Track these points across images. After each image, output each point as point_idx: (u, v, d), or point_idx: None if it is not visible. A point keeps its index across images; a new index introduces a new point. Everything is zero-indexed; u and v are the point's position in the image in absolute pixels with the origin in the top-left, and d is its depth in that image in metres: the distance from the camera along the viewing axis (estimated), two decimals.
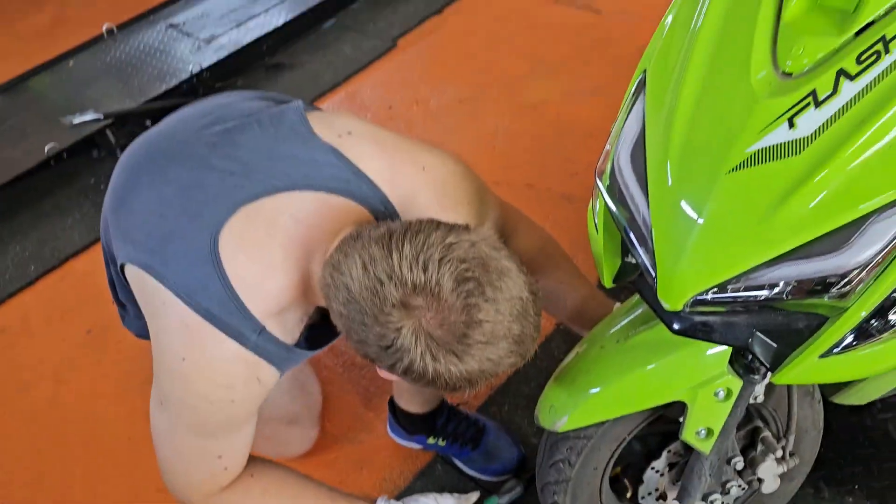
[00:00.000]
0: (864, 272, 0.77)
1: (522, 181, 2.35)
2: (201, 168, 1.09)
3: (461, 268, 0.89)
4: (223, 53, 3.01)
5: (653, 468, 1.22)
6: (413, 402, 1.63)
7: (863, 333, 0.83)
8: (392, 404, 1.69)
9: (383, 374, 0.99)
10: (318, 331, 1.19)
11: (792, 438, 1.17)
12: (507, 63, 2.91)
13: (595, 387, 1.08)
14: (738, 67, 0.84)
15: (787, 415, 1.17)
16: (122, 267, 1.13)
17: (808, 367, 0.86)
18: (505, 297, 0.90)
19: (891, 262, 0.77)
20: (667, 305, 0.86)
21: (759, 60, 0.83)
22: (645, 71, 0.96)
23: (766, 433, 1.18)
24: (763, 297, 0.83)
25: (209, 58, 3.00)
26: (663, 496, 1.27)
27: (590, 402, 1.08)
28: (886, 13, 0.77)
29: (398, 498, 1.32)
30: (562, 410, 1.10)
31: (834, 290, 0.79)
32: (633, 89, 0.98)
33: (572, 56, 2.88)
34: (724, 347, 1.01)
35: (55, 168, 2.67)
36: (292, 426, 1.68)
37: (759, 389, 1.12)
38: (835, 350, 0.84)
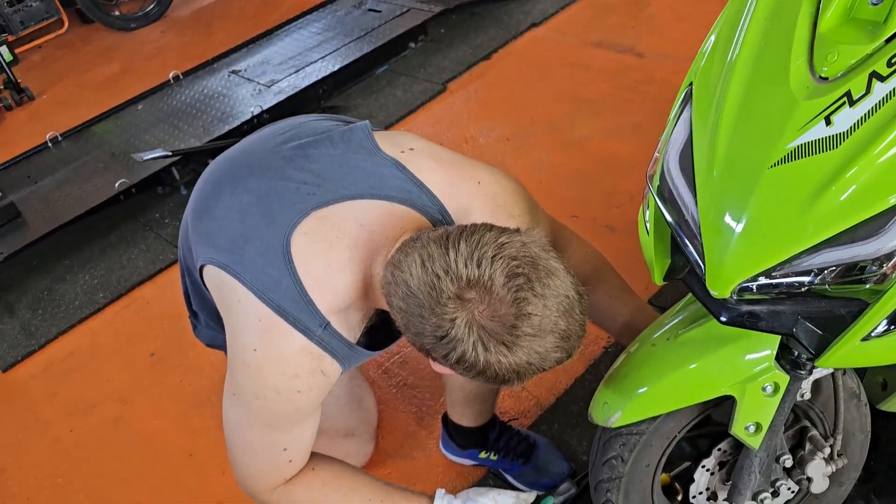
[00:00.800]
0: None
1: (567, 212, 2.41)
2: (278, 178, 1.19)
3: (512, 264, 0.94)
4: (282, 97, 3.16)
5: (703, 466, 1.24)
6: (466, 415, 1.67)
7: None
8: (445, 420, 1.74)
9: (437, 367, 1.05)
10: (378, 334, 1.26)
11: (839, 438, 1.19)
12: (551, 104, 2.99)
13: (647, 383, 1.12)
14: (778, 75, 0.91)
15: (835, 416, 1.19)
16: (201, 269, 1.22)
17: (850, 351, 0.90)
18: (552, 294, 0.95)
19: None
20: (715, 293, 0.91)
21: (797, 68, 0.90)
22: (691, 83, 1.04)
23: (814, 432, 1.20)
24: (806, 284, 0.88)
25: (269, 100, 3.15)
26: (713, 496, 1.28)
27: (642, 398, 1.12)
28: None
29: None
30: (615, 407, 1.14)
31: (872, 274, 0.84)
32: (679, 100, 1.05)
33: (614, 96, 2.95)
34: (770, 347, 1.05)
35: (123, 203, 2.82)
36: (349, 439, 1.73)
37: (806, 386, 1.14)
38: (874, 333, 0.88)
